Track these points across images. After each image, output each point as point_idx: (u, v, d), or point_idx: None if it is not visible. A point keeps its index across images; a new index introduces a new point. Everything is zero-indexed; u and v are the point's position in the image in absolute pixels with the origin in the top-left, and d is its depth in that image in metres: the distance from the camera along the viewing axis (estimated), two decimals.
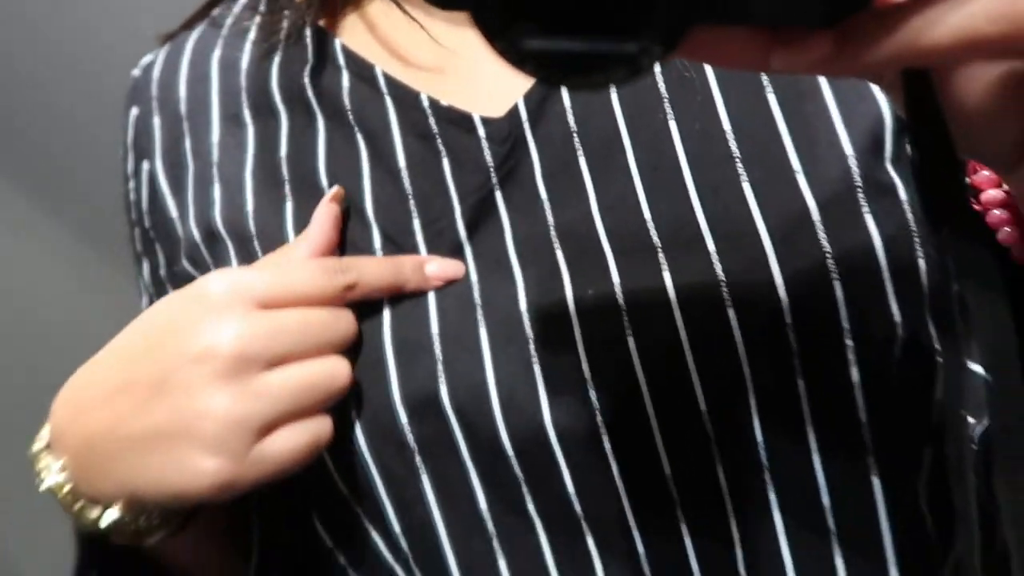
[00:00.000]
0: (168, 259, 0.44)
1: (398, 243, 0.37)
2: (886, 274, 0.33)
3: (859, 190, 0.34)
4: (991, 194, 0.30)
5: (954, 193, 0.24)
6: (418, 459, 0.35)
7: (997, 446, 0.24)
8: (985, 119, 0.22)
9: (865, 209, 0.33)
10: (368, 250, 0.38)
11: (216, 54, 0.44)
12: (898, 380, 0.34)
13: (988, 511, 0.28)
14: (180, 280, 0.41)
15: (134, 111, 0.46)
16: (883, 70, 0.23)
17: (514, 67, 0.19)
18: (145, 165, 0.44)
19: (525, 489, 0.34)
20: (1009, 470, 0.24)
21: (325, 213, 0.37)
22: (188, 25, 0.47)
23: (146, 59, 0.48)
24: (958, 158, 0.23)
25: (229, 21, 0.45)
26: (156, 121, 0.44)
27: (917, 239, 0.34)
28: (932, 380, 0.34)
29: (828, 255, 0.33)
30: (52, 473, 0.35)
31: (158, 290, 0.45)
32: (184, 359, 0.32)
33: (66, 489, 0.34)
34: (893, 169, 0.35)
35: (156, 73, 0.46)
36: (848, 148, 0.34)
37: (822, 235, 0.33)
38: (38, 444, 0.36)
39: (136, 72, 0.47)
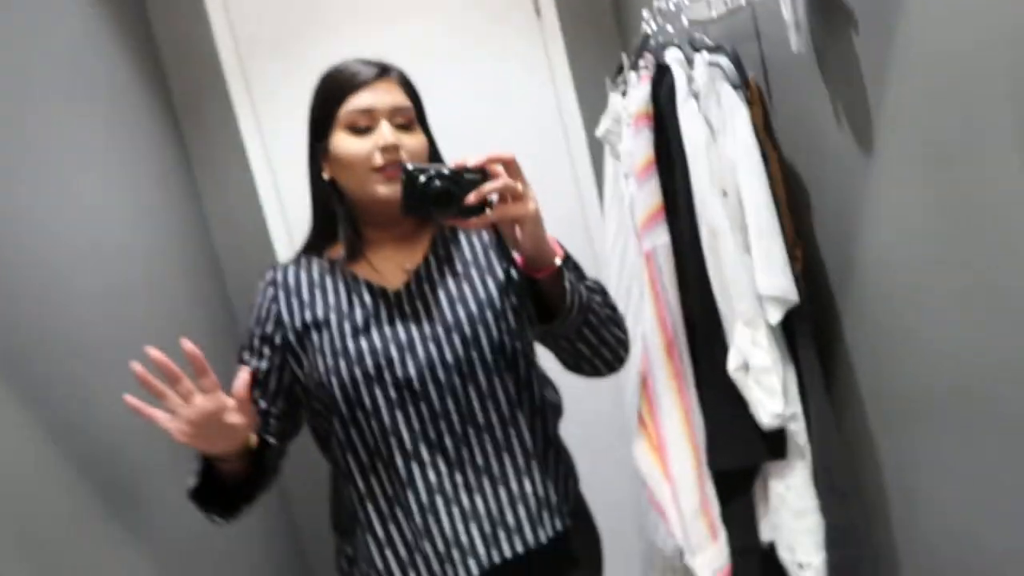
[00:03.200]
0: (282, 338, 1.22)
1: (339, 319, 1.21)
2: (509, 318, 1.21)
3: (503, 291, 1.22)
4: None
5: (514, 261, 1.22)
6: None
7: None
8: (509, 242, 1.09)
9: (505, 301, 1.21)
10: (326, 323, 1.20)
11: (311, 268, 1.26)
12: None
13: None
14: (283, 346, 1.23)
15: (270, 290, 1.25)
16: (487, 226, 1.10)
17: (428, 219, 1.15)
18: (274, 307, 1.23)
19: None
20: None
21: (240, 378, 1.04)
22: (295, 262, 1.29)
23: (269, 273, 1.27)
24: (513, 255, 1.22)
25: (302, 261, 1.28)
26: (280, 292, 1.24)
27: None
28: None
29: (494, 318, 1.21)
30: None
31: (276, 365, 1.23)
32: None
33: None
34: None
35: (279, 277, 1.26)
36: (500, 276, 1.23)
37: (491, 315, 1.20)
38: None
39: (268, 275, 1.27)
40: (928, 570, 1.43)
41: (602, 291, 1.22)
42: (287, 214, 2.28)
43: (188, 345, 0.97)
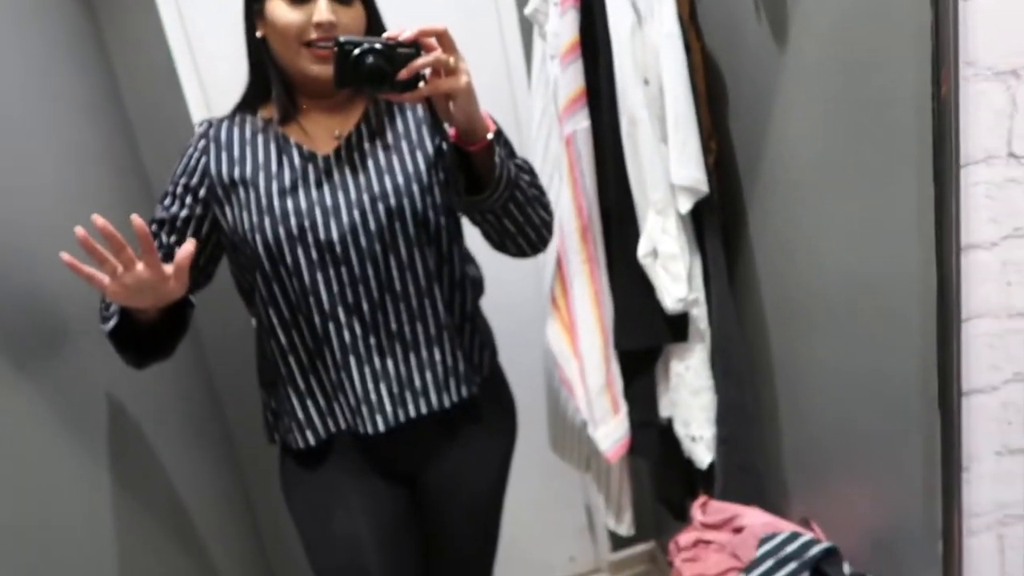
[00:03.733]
0: (208, 190, 1.24)
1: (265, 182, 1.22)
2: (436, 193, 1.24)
3: (431, 166, 1.23)
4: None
5: (446, 135, 1.16)
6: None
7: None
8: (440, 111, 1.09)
9: (433, 174, 1.23)
10: (255, 183, 1.21)
11: (244, 126, 1.27)
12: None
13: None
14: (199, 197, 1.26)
15: (202, 142, 1.26)
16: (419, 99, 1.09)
17: (361, 92, 1.24)
18: (203, 159, 1.25)
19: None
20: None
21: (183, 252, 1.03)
22: (229, 117, 1.29)
23: (203, 126, 1.28)
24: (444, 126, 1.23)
25: (237, 118, 1.28)
26: (212, 146, 1.25)
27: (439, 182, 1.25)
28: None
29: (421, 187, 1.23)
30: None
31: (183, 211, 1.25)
32: None
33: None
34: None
35: (212, 131, 1.26)
36: (430, 150, 1.24)
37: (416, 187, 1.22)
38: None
39: (202, 128, 1.28)
40: (804, 443, 1.56)
41: (530, 171, 1.24)
42: (202, 77, 2.19)
43: (138, 221, 0.97)
